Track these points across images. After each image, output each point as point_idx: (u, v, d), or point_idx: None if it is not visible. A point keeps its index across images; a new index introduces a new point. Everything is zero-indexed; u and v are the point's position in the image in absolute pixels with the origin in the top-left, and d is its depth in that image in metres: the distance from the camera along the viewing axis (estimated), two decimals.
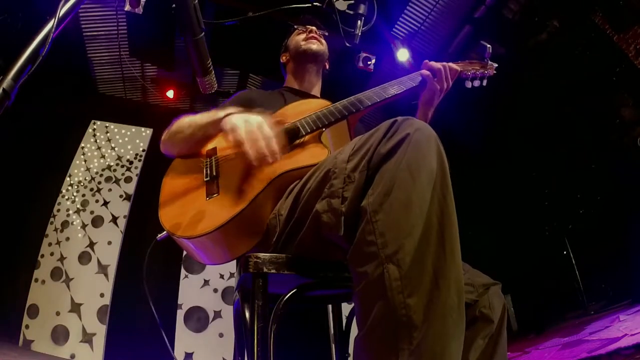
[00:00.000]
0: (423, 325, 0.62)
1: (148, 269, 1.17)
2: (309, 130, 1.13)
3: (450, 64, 1.35)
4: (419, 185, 0.70)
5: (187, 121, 1.20)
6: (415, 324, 0.62)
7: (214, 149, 1.19)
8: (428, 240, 0.67)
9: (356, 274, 0.72)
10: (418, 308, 0.63)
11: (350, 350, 0.85)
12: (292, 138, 1.14)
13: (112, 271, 3.87)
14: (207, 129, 1.15)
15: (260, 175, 1.04)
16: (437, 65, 1.32)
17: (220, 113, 1.10)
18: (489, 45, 1.41)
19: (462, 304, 0.67)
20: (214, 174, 1.09)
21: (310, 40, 1.56)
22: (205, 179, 1.09)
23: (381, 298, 0.65)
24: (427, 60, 1.34)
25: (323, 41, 1.59)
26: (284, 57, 1.66)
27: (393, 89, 1.29)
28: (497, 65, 1.45)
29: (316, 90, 1.61)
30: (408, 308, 0.63)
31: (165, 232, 1.04)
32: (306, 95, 1.53)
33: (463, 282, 0.68)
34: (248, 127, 0.98)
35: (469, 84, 1.40)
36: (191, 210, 1.02)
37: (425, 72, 1.31)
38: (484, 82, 1.43)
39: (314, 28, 1.59)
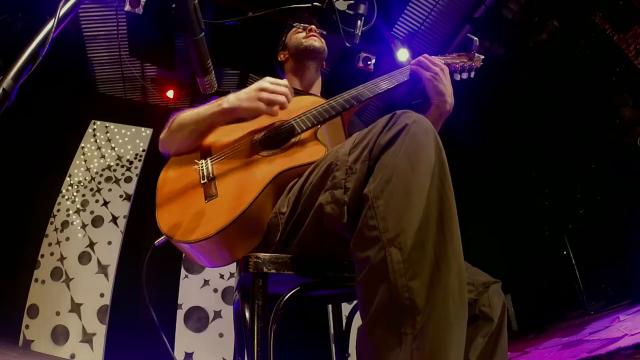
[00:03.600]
0: (425, 308, 0.63)
1: (148, 271, 1.17)
2: (305, 128, 1.14)
3: (433, 57, 1.36)
4: (417, 172, 0.72)
5: (189, 115, 1.20)
6: (418, 307, 0.63)
7: (209, 149, 1.19)
8: (428, 225, 0.69)
9: (359, 260, 0.73)
10: (420, 291, 0.64)
11: (351, 350, 0.85)
12: (288, 136, 1.15)
13: (112, 271, 3.87)
14: (211, 118, 1.16)
15: (258, 175, 1.04)
16: (420, 57, 1.34)
17: (224, 104, 1.14)
18: (475, 38, 1.44)
19: (464, 288, 0.68)
20: (211, 175, 1.09)
21: (311, 37, 1.56)
22: (202, 181, 1.08)
23: (384, 282, 0.66)
24: (412, 60, 1.37)
25: (322, 39, 1.60)
26: (282, 56, 1.64)
27: (384, 83, 1.30)
28: (483, 57, 1.48)
29: (316, 88, 1.61)
30: (411, 291, 0.64)
31: (163, 237, 1.03)
32: (306, 94, 1.53)
33: (464, 267, 0.69)
34: (261, 90, 1.11)
35: (457, 77, 1.43)
36: (190, 214, 1.01)
37: (414, 66, 1.33)
38: (472, 74, 1.47)
39: (313, 27, 1.59)
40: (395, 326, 0.63)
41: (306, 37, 1.56)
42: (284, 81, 1.16)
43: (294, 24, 1.63)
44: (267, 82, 1.14)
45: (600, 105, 3.49)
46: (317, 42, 1.55)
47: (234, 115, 1.16)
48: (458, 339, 0.64)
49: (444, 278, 0.65)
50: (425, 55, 1.34)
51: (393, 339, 0.63)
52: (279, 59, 1.65)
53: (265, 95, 1.11)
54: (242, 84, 4.98)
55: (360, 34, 3.07)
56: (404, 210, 0.70)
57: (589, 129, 3.57)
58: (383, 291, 0.66)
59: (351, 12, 3.03)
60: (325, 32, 1.64)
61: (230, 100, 1.14)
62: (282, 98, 1.11)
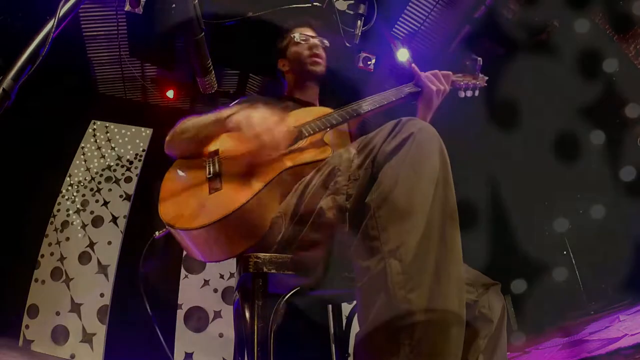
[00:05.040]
0: (424, 320, 0.63)
1: (147, 268, 1.17)
2: (312, 132, 1.17)
3: (442, 73, 1.43)
4: (421, 182, 0.72)
5: (192, 122, 1.22)
6: (417, 319, 0.63)
7: (216, 150, 1.20)
8: (430, 236, 0.68)
9: (359, 269, 0.73)
10: (419, 303, 0.64)
11: (351, 350, 0.85)
12: (295, 139, 1.17)
13: (112, 271, 3.87)
14: (210, 127, 1.17)
15: (263, 172, 1.05)
16: (434, 71, 1.41)
17: (224, 112, 1.13)
18: (479, 59, 1.52)
19: (463, 300, 0.68)
20: (217, 171, 1.10)
21: (315, 62, 1.54)
22: (207, 176, 1.09)
23: (383, 292, 0.66)
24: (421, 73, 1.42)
25: (323, 55, 1.58)
26: (282, 64, 1.61)
27: (391, 96, 1.36)
28: (487, 77, 1.58)
29: (314, 97, 1.62)
30: (410, 303, 0.64)
31: (163, 229, 1.04)
32: (308, 104, 1.54)
33: (463, 278, 0.69)
34: (254, 121, 1.04)
35: (462, 94, 1.53)
36: (192, 204, 1.02)
37: (424, 78, 1.38)
38: (476, 92, 1.56)
39: (317, 42, 1.56)
40: (393, 335, 0.63)
41: (310, 59, 1.53)
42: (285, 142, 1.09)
43: (293, 34, 1.57)
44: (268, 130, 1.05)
45: (600, 106, 3.49)
46: (320, 67, 1.55)
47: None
48: (455, 350, 0.65)
49: (443, 290, 0.65)
50: (437, 71, 1.41)
51: (390, 348, 0.63)
52: (279, 66, 1.62)
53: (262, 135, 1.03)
54: (242, 84, 4.98)
55: (360, 34, 3.07)
56: (406, 221, 0.69)
57: (589, 129, 3.56)
58: (382, 301, 0.66)
59: (351, 12, 3.03)
60: (326, 42, 1.59)
61: (240, 121, 1.08)
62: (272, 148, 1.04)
